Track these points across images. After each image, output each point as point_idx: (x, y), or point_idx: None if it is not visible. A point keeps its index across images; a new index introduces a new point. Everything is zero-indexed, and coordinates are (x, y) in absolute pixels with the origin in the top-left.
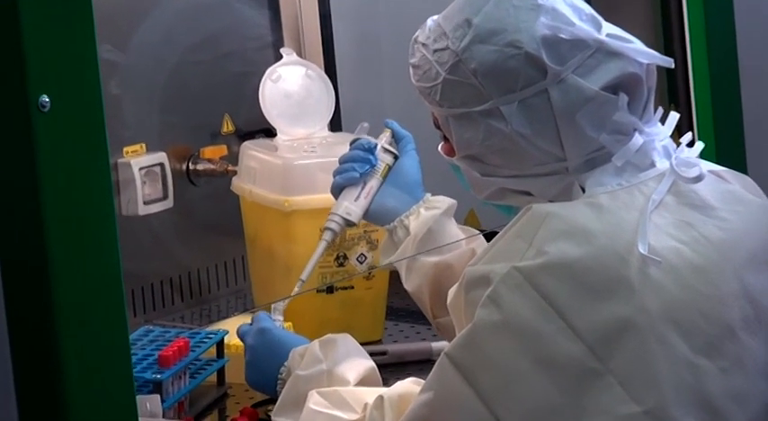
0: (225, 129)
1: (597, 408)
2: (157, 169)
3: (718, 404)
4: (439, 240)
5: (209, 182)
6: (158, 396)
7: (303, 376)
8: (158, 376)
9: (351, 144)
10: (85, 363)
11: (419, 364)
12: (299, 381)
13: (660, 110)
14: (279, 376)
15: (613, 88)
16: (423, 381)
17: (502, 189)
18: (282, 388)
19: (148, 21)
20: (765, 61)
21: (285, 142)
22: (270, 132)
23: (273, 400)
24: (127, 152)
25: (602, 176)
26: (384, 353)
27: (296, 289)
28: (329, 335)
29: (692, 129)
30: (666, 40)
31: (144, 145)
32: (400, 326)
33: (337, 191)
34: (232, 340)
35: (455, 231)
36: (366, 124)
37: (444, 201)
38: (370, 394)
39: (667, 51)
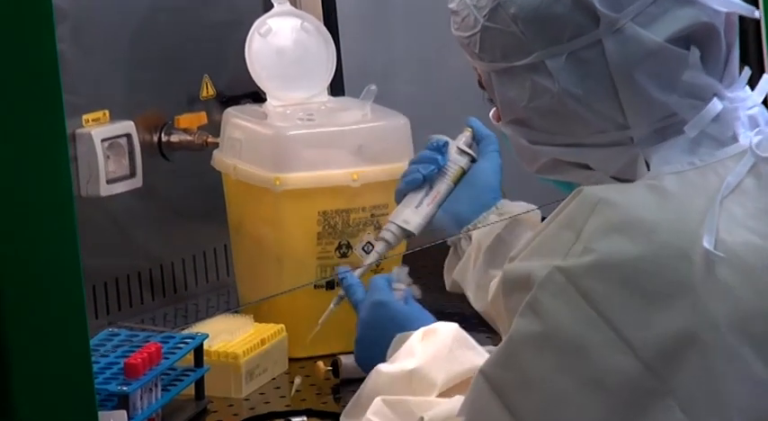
0: (204, 94)
1: None
2: (123, 141)
3: None
4: (512, 251)
5: (185, 156)
6: (124, 412)
7: (384, 373)
8: (124, 388)
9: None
10: (37, 374)
11: None
12: (379, 379)
13: (747, 71)
14: None
15: (683, 41)
16: None
17: (555, 161)
18: None
19: None
20: None
21: (276, 109)
22: (258, 97)
23: (265, 417)
24: (87, 121)
25: (672, 152)
26: None
27: (331, 306)
28: (435, 324)
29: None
30: None
31: (107, 112)
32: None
33: (401, 197)
34: (213, 345)
35: None
36: (373, 87)
37: (521, 207)
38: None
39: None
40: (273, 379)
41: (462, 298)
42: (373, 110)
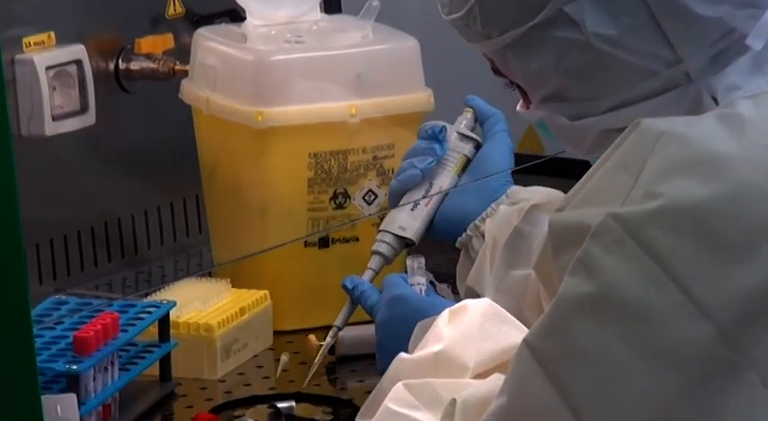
0: (171, 12)
1: (732, 416)
2: (72, 69)
3: None
4: (532, 246)
5: (147, 87)
6: (74, 396)
7: (407, 360)
8: (74, 367)
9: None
10: None
11: None
12: (401, 367)
13: None
14: None
15: None
16: None
17: (605, 133)
18: None
19: None
20: None
21: (258, 29)
22: (236, 15)
23: (244, 402)
24: (28, 45)
25: (739, 76)
26: None
27: (328, 339)
28: (463, 301)
29: None
30: None
31: (52, 34)
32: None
33: (395, 199)
34: (182, 315)
35: None
36: (376, 2)
37: (539, 192)
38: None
39: None
40: (255, 356)
41: None
42: (375, 30)
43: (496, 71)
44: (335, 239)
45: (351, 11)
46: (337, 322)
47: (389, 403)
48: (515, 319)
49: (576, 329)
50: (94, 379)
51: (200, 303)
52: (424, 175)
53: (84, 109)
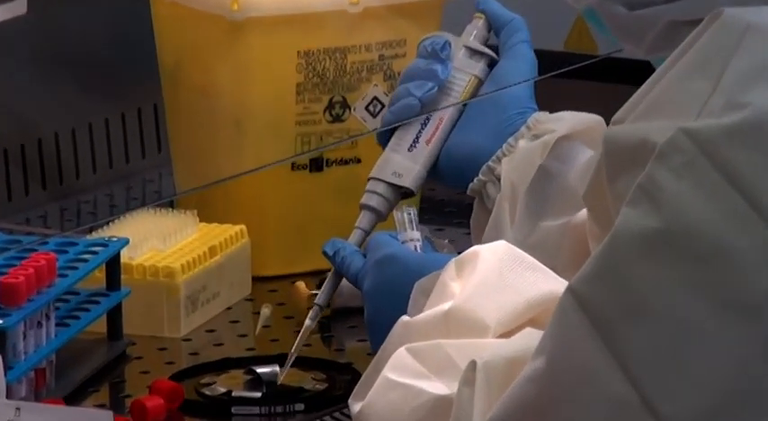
0: None
1: None
2: None
3: None
4: (565, 188)
5: None
6: None
7: (410, 323)
8: None
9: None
10: None
11: None
12: (403, 333)
13: None
14: None
15: None
16: None
17: (673, 25)
18: None
19: None
20: None
21: None
22: None
23: (215, 366)
24: None
25: None
26: None
27: (307, 322)
28: (474, 247)
29: None
30: None
31: None
32: (448, 231)
33: (386, 137)
34: (136, 256)
35: None
36: None
37: (569, 119)
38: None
39: None
40: (229, 309)
41: None
42: None
43: None
44: (331, 161)
45: None
46: (319, 300)
47: (389, 372)
48: (542, 265)
49: (635, 274)
50: (25, 336)
51: (158, 241)
52: (423, 105)
53: None
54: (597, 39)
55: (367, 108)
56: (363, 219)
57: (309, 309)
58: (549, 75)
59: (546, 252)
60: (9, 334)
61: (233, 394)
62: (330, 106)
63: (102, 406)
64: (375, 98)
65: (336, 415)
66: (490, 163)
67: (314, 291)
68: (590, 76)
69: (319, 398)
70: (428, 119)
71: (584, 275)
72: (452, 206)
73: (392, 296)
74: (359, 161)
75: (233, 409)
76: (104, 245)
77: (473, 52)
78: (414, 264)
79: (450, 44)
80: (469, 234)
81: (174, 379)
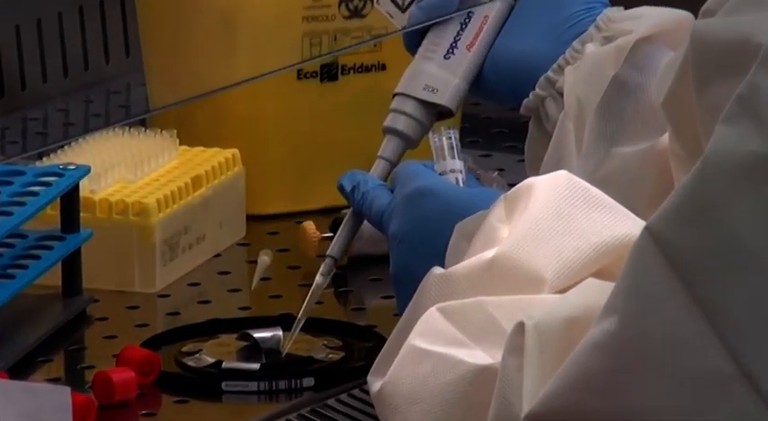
0: None
1: None
2: None
3: None
4: (646, 104)
5: None
6: None
7: (446, 276)
8: None
9: None
10: None
11: None
12: (436, 288)
13: None
14: None
15: None
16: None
17: None
18: None
19: None
20: None
21: None
22: None
23: (200, 329)
24: None
25: None
26: None
27: (318, 279)
28: (529, 179)
29: None
30: None
31: None
32: (496, 158)
33: (415, 41)
34: (99, 189)
35: None
36: None
37: (651, 16)
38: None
39: None
40: (217, 256)
41: None
42: None
43: None
44: (348, 68)
45: None
46: (333, 249)
47: (416, 339)
48: (615, 202)
49: (733, 212)
50: None
51: (127, 170)
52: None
53: None
54: None
55: (394, 0)
56: (389, 146)
57: (321, 258)
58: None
59: (621, 186)
60: None
61: (223, 366)
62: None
63: (56, 380)
64: None
65: (355, 392)
66: (550, 73)
67: (326, 235)
68: None
69: (333, 370)
70: (469, 17)
71: (668, 213)
72: (501, 126)
73: (425, 241)
74: (383, 68)
75: (223, 385)
76: (59, 174)
77: None
78: (453, 201)
79: None
80: (523, 162)
81: (148, 346)
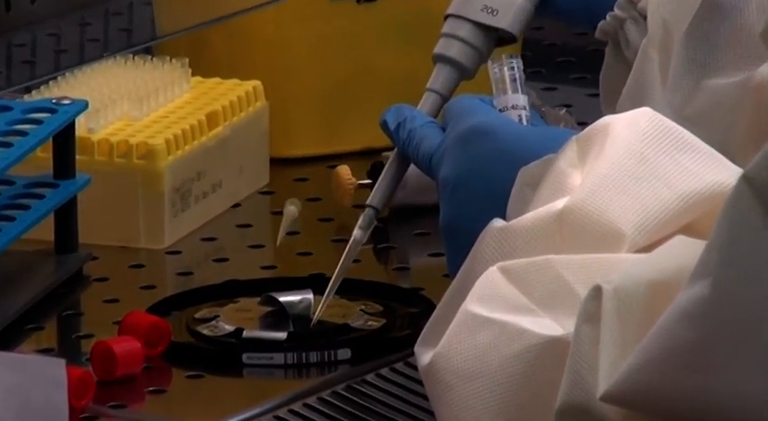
0: None
1: None
2: None
3: None
4: (743, 29)
5: None
6: None
7: (508, 230)
8: None
9: None
10: None
11: None
12: (496, 243)
13: None
14: None
15: None
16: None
17: None
18: None
19: None
20: None
21: None
22: None
23: (216, 292)
24: None
25: None
26: None
27: (356, 233)
28: (605, 118)
29: None
30: None
31: None
32: (564, 92)
33: None
34: (99, 128)
35: None
36: None
37: None
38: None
39: None
40: (236, 206)
41: None
42: None
43: None
44: None
45: None
46: (374, 198)
47: (473, 305)
48: (704, 144)
49: None
50: None
51: (132, 105)
52: None
53: None
54: None
55: None
56: (439, 77)
57: (358, 209)
58: None
59: (714, 124)
60: None
61: (244, 334)
62: None
63: (48, 351)
64: None
65: (398, 366)
66: None
67: (363, 182)
68: None
69: (372, 341)
70: None
71: (763, 159)
72: (568, 55)
73: (482, 189)
74: None
75: (244, 357)
76: (51, 110)
77: None
78: (515, 142)
79: None
80: (593, 97)
81: (156, 311)
